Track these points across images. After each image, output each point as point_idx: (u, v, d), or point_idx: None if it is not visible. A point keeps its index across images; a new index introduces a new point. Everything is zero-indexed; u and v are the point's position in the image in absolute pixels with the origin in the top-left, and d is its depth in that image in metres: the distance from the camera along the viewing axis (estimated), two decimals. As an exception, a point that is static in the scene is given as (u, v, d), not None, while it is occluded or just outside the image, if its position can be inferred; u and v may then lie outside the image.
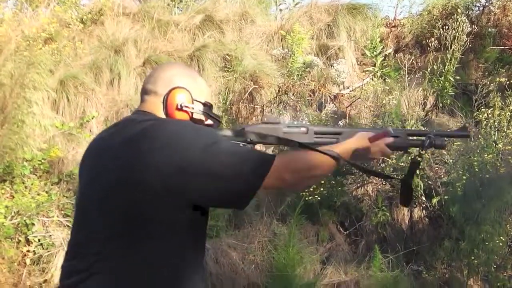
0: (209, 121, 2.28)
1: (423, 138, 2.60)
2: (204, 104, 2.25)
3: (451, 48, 7.26)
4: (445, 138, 2.68)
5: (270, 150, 4.42)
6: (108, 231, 1.95)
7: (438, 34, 7.64)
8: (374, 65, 8.85)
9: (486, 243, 5.81)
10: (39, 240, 6.14)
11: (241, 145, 2.28)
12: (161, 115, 2.16)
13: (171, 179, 1.88)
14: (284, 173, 2.00)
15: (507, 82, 6.90)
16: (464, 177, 5.99)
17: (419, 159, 2.70)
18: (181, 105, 2.15)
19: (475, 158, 6.05)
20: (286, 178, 2.02)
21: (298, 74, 8.29)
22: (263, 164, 1.96)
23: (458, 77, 7.63)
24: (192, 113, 2.20)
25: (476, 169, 5.97)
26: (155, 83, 2.20)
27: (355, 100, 8.07)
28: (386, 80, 8.53)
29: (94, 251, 1.95)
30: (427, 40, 7.94)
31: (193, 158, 1.90)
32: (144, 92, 2.24)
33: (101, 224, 1.96)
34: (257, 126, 2.41)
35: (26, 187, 6.45)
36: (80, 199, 2.15)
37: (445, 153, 6.48)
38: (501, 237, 5.78)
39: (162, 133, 1.96)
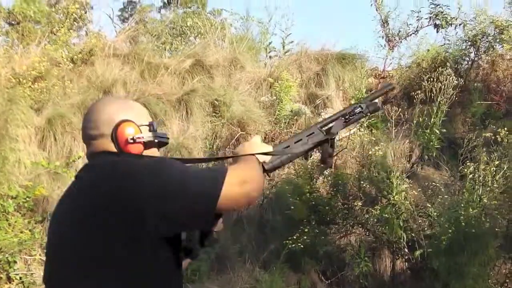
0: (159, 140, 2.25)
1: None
2: (149, 125, 2.23)
3: (437, 101, 7.31)
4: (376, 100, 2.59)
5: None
6: (79, 271, 1.92)
7: (425, 86, 7.69)
8: (361, 116, 8.87)
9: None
10: (20, 278, 6.11)
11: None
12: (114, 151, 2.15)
13: (140, 207, 1.86)
14: (238, 184, 2.00)
15: (493, 137, 6.94)
16: (450, 231, 5.98)
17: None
18: (132, 138, 2.13)
19: (462, 213, 6.05)
20: (239, 190, 2.01)
21: (285, 122, 8.33)
22: (218, 177, 1.97)
23: (444, 130, 7.66)
24: (144, 142, 2.17)
25: (463, 224, 5.96)
26: (97, 127, 2.16)
27: (341, 150, 8.07)
28: (373, 131, 8.56)
29: None
30: (415, 92, 7.99)
31: (155, 185, 1.90)
32: (89, 138, 2.19)
33: (73, 263, 1.94)
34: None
35: (9, 225, 6.42)
36: (52, 238, 2.14)
37: (429, 206, 6.50)
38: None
39: (124, 170, 1.98)
